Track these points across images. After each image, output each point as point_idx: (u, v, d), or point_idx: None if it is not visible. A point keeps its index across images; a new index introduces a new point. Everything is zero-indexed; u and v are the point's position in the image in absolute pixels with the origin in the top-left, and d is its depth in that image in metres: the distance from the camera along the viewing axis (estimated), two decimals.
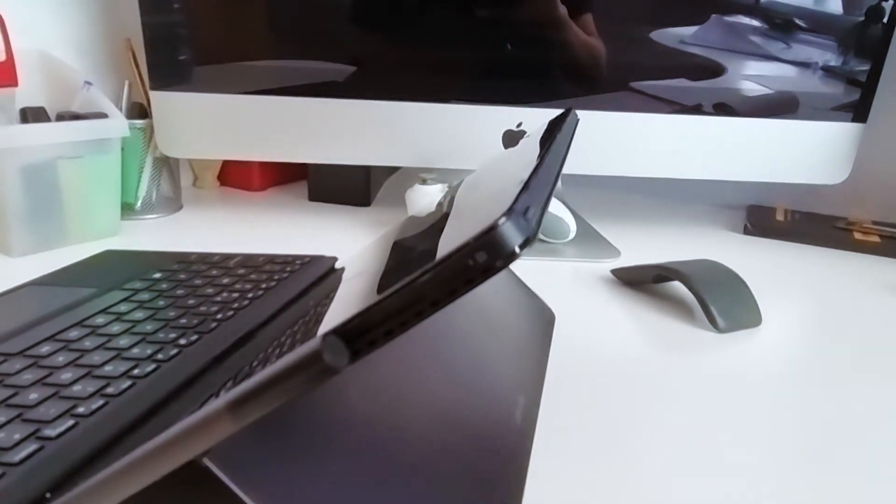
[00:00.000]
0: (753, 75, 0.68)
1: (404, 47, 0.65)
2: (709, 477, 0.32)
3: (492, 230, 0.15)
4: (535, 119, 0.66)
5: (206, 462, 0.19)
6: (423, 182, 0.65)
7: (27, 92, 0.62)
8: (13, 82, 0.60)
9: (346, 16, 0.64)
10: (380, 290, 0.41)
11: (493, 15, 0.64)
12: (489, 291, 0.42)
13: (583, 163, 0.68)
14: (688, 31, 0.67)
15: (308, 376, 0.16)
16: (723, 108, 0.69)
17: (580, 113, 0.66)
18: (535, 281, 0.56)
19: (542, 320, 0.46)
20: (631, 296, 0.54)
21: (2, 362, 0.35)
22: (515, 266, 0.59)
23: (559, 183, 0.78)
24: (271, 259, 0.53)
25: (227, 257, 0.53)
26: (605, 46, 0.66)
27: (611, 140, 0.68)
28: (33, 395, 0.32)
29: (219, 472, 0.19)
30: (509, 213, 0.16)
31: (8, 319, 0.42)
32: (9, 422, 0.29)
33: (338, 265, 0.53)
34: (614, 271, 0.57)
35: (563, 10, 0.64)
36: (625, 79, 0.67)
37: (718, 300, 0.49)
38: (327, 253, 0.55)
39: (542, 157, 0.25)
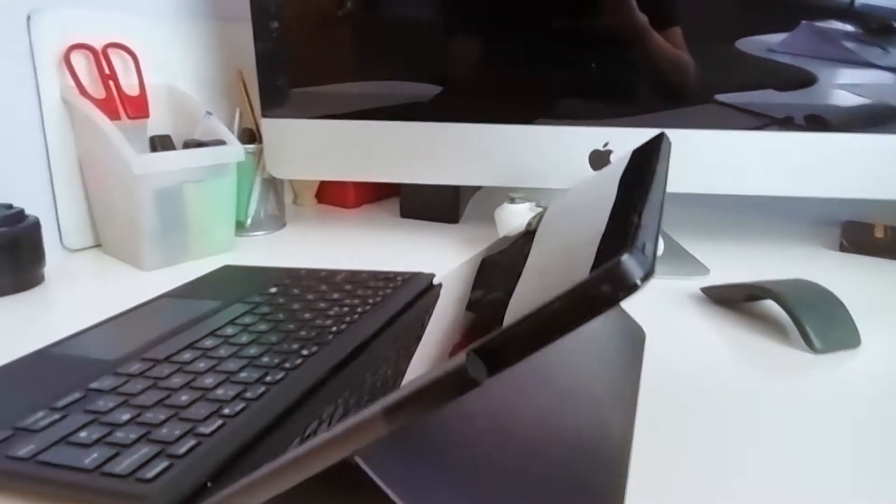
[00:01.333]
0: (847, 84, 0.66)
1: (489, 70, 0.68)
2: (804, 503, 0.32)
3: (616, 265, 0.18)
4: (622, 138, 0.68)
5: (357, 459, 0.22)
6: (512, 201, 0.68)
7: (156, 121, 0.69)
8: (145, 114, 0.67)
9: (433, 41, 0.68)
10: (469, 306, 0.44)
11: (571, 24, 0.66)
12: None
13: (670, 180, 0.69)
14: (775, 38, 0.66)
15: (453, 387, 0.19)
16: (815, 121, 0.68)
17: (667, 131, 0.67)
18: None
19: (633, 339, 0.47)
20: (722, 314, 0.54)
21: (152, 367, 0.40)
22: None
23: None
24: (374, 276, 0.56)
25: (333, 273, 0.57)
26: (692, 56, 0.66)
27: (698, 157, 0.68)
28: (184, 397, 0.36)
29: (367, 469, 0.22)
30: (630, 249, 0.18)
31: (150, 328, 0.47)
32: (168, 419, 0.34)
33: (435, 281, 0.56)
34: (704, 289, 0.58)
35: (642, 17, 0.64)
36: (710, 91, 0.67)
37: (814, 320, 0.48)
38: (420, 268, 0.59)
39: (647, 189, 0.27)
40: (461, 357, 0.19)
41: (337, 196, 0.89)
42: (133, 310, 0.51)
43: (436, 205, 0.82)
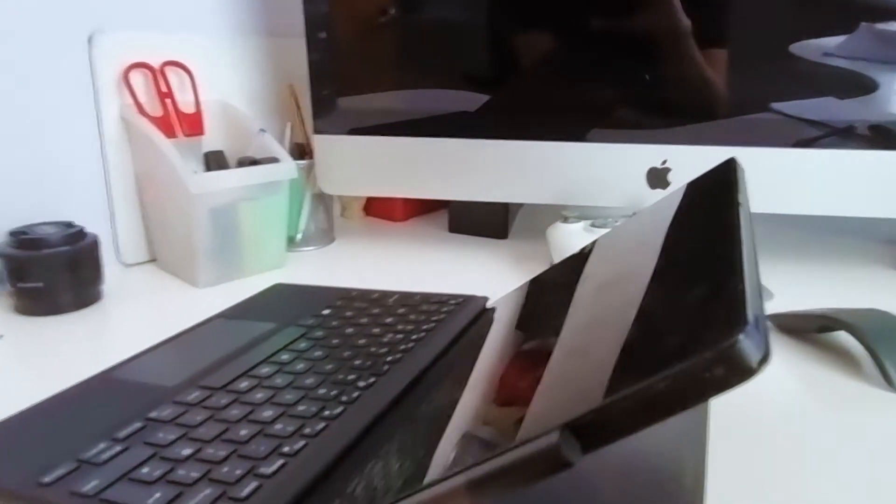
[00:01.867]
0: None
1: (540, 84, 0.67)
2: None
3: (732, 346, 0.16)
4: (680, 155, 0.65)
5: None
6: (565, 220, 0.66)
7: (211, 138, 0.70)
8: (200, 131, 0.68)
9: (485, 48, 0.67)
10: (518, 325, 0.43)
11: (613, 28, 0.63)
12: None
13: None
14: (832, 41, 0.63)
15: (544, 468, 0.18)
16: (879, 131, 0.64)
17: (727, 150, 0.64)
18: None
19: None
20: (790, 345, 0.52)
21: (210, 396, 0.40)
22: None
23: None
24: (427, 298, 0.55)
25: (386, 295, 0.57)
26: (741, 62, 0.63)
27: (759, 175, 0.65)
28: (243, 432, 0.36)
29: None
30: (745, 326, 0.17)
31: (206, 351, 0.47)
32: (228, 457, 0.33)
33: (489, 304, 0.55)
34: (771, 317, 0.55)
35: (686, 21, 0.62)
36: (764, 99, 0.64)
37: (894, 354, 0.46)
38: (471, 286, 0.57)
39: (736, 240, 0.25)
40: (554, 436, 0.18)
41: (385, 209, 0.89)
42: (188, 331, 0.51)
43: (485, 220, 0.80)
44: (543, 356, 0.30)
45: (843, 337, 0.51)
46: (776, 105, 0.65)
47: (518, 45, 0.67)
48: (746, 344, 0.16)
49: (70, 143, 0.63)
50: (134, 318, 0.56)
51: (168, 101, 0.66)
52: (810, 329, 0.52)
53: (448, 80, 0.68)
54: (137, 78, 0.65)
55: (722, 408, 0.43)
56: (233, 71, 0.74)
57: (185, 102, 0.68)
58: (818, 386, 0.45)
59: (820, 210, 0.65)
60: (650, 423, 0.18)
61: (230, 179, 0.61)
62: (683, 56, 0.63)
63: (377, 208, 0.90)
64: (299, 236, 0.75)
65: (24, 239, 0.54)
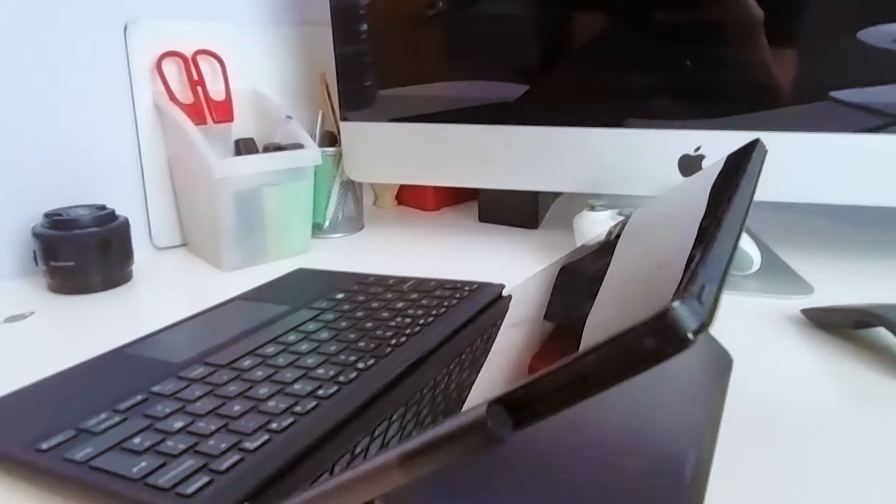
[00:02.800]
0: None
1: (578, 69, 0.65)
2: None
3: (663, 315, 0.15)
4: (716, 142, 0.62)
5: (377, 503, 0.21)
6: (592, 208, 0.64)
7: (240, 125, 0.71)
8: (230, 118, 0.69)
9: (519, 42, 0.65)
10: (547, 315, 0.41)
11: (675, 18, 0.61)
12: None
13: (774, 188, 0.63)
14: None
15: (473, 443, 0.17)
16: None
17: (770, 135, 0.61)
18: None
19: (718, 365, 0.43)
20: (825, 341, 0.49)
21: (213, 372, 0.41)
22: None
23: None
24: (442, 284, 0.55)
25: (402, 281, 0.56)
26: (805, 50, 0.59)
27: (808, 163, 0.61)
28: (237, 407, 0.36)
29: None
30: (682, 294, 0.15)
31: (219, 330, 0.48)
32: (217, 431, 0.34)
33: (505, 293, 0.54)
34: (806, 311, 0.52)
35: (758, 12, 0.58)
36: (824, 88, 0.60)
37: None
38: (496, 274, 0.56)
39: (721, 212, 0.23)
40: (482, 408, 0.17)
41: (416, 199, 0.88)
42: (206, 311, 0.52)
43: (514, 210, 0.79)
44: (562, 343, 0.29)
45: (882, 333, 0.47)
46: (836, 94, 0.61)
47: (562, 32, 0.65)
48: (680, 312, 0.15)
49: (106, 130, 0.65)
50: (160, 298, 0.58)
51: (199, 88, 0.67)
52: (847, 325, 0.49)
53: (486, 70, 0.67)
54: (170, 66, 0.66)
55: (742, 401, 0.40)
56: (265, 59, 0.75)
57: (216, 90, 0.69)
58: (851, 384, 0.42)
59: (871, 200, 0.61)
60: (584, 396, 0.16)
61: (253, 164, 0.62)
62: (752, 46, 0.60)
63: (409, 198, 0.89)
64: (327, 224, 0.75)
65: (57, 220, 0.57)
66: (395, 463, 0.19)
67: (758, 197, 0.63)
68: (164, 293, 0.59)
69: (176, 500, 0.28)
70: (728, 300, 0.56)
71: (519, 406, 0.17)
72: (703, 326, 0.15)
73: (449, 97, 0.68)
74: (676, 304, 0.15)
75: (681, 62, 0.62)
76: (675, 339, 0.15)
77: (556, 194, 0.91)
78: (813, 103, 0.61)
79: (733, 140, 0.62)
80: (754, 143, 0.40)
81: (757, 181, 0.32)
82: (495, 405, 0.17)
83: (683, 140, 0.63)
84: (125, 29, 0.65)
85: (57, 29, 0.61)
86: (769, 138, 0.61)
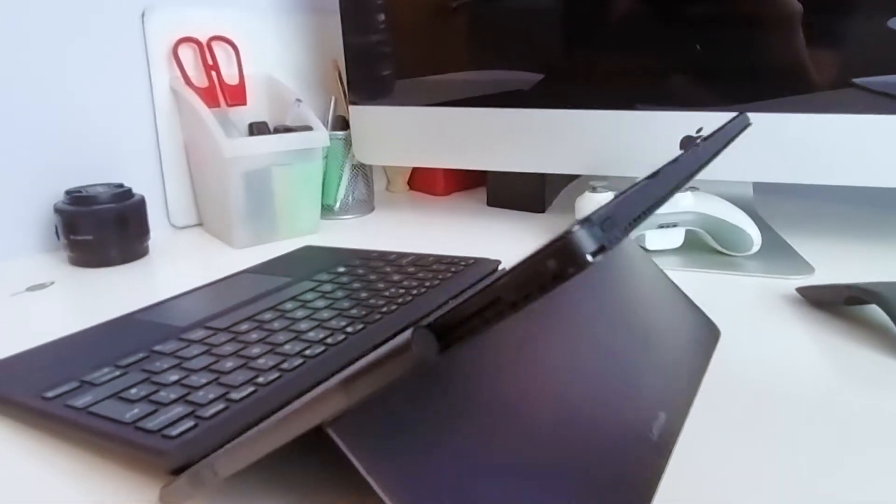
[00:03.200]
0: None
1: (589, 54, 0.65)
2: None
3: (563, 238, 0.16)
4: (718, 123, 0.62)
5: (329, 430, 0.22)
6: (593, 190, 0.65)
7: (254, 109, 0.74)
8: (243, 102, 0.72)
9: (533, 27, 0.66)
10: None
11: (707, 11, 0.61)
12: (648, 302, 0.41)
13: (784, 170, 0.62)
14: None
15: (401, 364, 0.19)
16: None
17: (781, 117, 0.61)
18: (709, 296, 0.53)
19: (704, 337, 0.43)
20: (818, 318, 0.49)
21: (212, 335, 0.43)
22: (688, 278, 0.56)
23: (750, 191, 0.72)
24: (440, 259, 0.56)
25: (402, 256, 0.58)
26: (833, 37, 0.59)
27: (823, 145, 0.61)
28: (229, 364, 0.38)
29: (337, 439, 0.22)
30: (585, 222, 0.17)
31: (224, 299, 0.50)
32: (208, 383, 0.36)
33: (501, 268, 0.55)
34: (801, 290, 0.52)
35: (797, 6, 0.58)
36: (846, 74, 0.59)
37: None
38: (498, 254, 0.57)
39: (666, 167, 0.24)
40: (407, 333, 0.18)
41: (427, 183, 0.90)
42: (215, 283, 0.55)
43: (522, 194, 0.80)
44: None
45: (874, 311, 0.47)
46: (859, 80, 0.61)
47: (574, 17, 0.66)
48: (579, 236, 0.16)
49: (126, 113, 0.68)
50: (172, 272, 0.60)
51: (213, 73, 0.70)
52: (838, 301, 0.49)
53: (496, 58, 0.68)
54: (186, 52, 0.69)
55: (726, 372, 0.41)
56: (279, 46, 0.78)
57: (230, 75, 0.71)
58: (839, 358, 0.42)
59: (878, 182, 0.61)
60: (499, 317, 0.18)
61: (262, 145, 0.64)
62: (789, 38, 0.59)
63: (420, 182, 0.91)
64: (337, 205, 0.77)
65: (77, 196, 0.60)
66: (338, 387, 0.20)
67: (772, 178, 0.63)
68: (177, 267, 0.62)
69: (160, 441, 0.30)
70: (727, 279, 0.57)
71: (444, 330, 0.18)
72: (602, 249, 0.16)
73: (457, 82, 0.70)
74: (576, 228, 0.16)
75: (691, 46, 0.62)
76: (574, 260, 0.16)
77: (569, 179, 0.92)
78: (835, 90, 0.60)
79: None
80: (739, 115, 0.40)
81: (724, 145, 0.33)
82: (421, 329, 0.18)
83: (692, 122, 0.63)
84: (143, 16, 0.67)
85: (78, 16, 0.64)
86: (788, 119, 0.61)
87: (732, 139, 0.35)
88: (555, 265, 0.16)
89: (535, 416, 0.28)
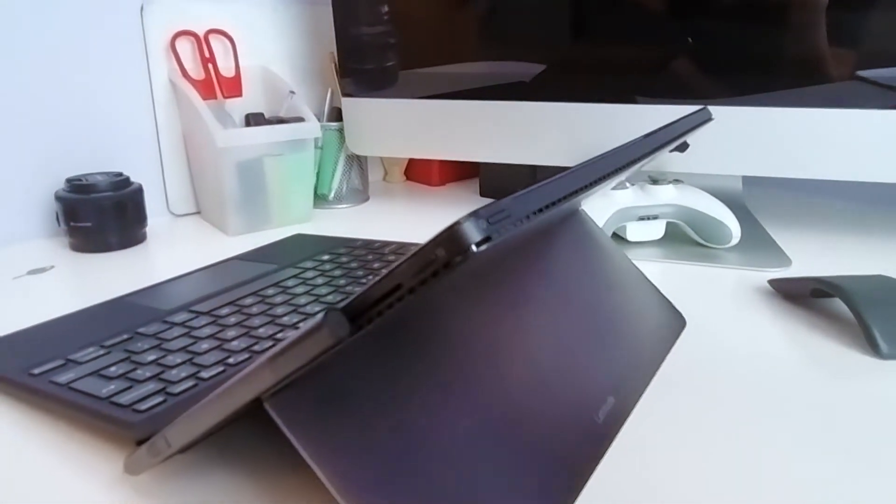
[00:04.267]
0: None
1: (590, 46, 0.66)
2: None
3: (450, 229, 0.18)
4: (718, 115, 0.62)
5: (266, 404, 0.24)
6: None
7: (250, 100, 0.76)
8: (238, 93, 0.74)
9: (533, 18, 0.67)
10: None
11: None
12: (612, 290, 0.42)
13: (777, 164, 0.63)
14: None
15: (316, 343, 0.20)
16: None
17: (777, 110, 0.61)
18: (683, 287, 0.54)
19: (667, 326, 0.45)
20: (786, 310, 0.50)
21: (194, 318, 0.45)
22: (666, 269, 0.57)
23: (739, 185, 0.73)
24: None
25: (385, 245, 0.60)
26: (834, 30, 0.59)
27: (819, 139, 0.61)
28: (204, 346, 0.40)
29: (272, 412, 0.24)
30: (473, 214, 0.18)
31: (210, 284, 0.52)
32: (183, 363, 0.38)
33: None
34: (772, 282, 0.53)
35: None
36: (852, 66, 0.59)
37: (883, 321, 0.43)
38: None
39: (590, 161, 0.25)
40: (320, 316, 0.20)
41: (423, 174, 0.91)
42: (204, 268, 0.57)
43: (512, 185, 0.81)
44: None
45: (842, 304, 0.48)
46: (863, 73, 0.61)
47: (578, 6, 0.66)
48: (465, 227, 0.18)
49: (126, 104, 0.71)
50: (167, 258, 0.63)
51: (210, 65, 0.72)
52: (804, 293, 0.49)
53: (493, 50, 0.69)
54: (184, 44, 0.71)
55: (687, 360, 0.42)
56: (275, 39, 0.80)
57: (227, 67, 0.73)
58: (799, 348, 0.44)
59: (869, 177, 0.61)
60: (401, 301, 0.19)
61: (254, 136, 0.66)
62: (813, 31, 0.59)
63: (416, 173, 0.93)
64: (331, 195, 0.79)
65: (77, 184, 0.62)
66: (266, 363, 0.22)
67: (767, 173, 0.63)
68: (172, 253, 0.64)
69: (130, 414, 0.33)
70: (702, 271, 0.58)
71: (355, 312, 0.20)
72: (487, 240, 0.18)
73: (449, 74, 0.71)
74: (463, 219, 0.18)
75: (684, 40, 0.62)
76: (459, 249, 0.18)
77: (561, 171, 0.93)
78: (838, 83, 0.60)
79: (727, 115, 0.63)
80: (701, 110, 0.41)
81: (672, 139, 0.34)
82: (334, 312, 0.20)
83: (680, 114, 0.64)
84: (142, 9, 0.69)
85: (79, 10, 0.66)
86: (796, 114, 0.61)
87: (684, 134, 0.36)
88: (443, 253, 0.18)
89: (482, 392, 0.30)
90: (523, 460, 0.29)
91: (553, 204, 0.22)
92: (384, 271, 0.19)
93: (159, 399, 0.34)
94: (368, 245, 0.60)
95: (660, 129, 0.34)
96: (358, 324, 0.20)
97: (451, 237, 0.18)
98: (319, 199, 0.79)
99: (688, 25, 0.62)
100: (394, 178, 0.94)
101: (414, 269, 0.19)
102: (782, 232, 0.68)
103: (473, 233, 0.18)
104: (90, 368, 0.38)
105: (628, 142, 0.31)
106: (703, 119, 0.40)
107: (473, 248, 0.18)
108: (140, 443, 0.31)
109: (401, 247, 0.59)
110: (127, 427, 0.32)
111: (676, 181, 0.64)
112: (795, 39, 0.60)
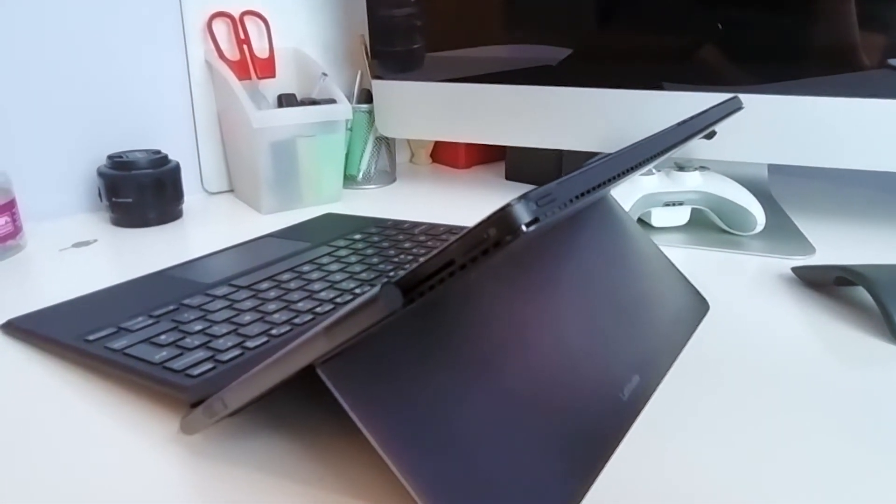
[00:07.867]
0: None
1: (616, 32, 0.67)
2: None
3: (502, 210, 0.19)
4: (745, 103, 0.63)
5: (319, 370, 0.26)
6: None
7: (283, 81, 0.77)
8: (272, 74, 0.75)
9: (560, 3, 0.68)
10: None
11: None
12: (639, 274, 0.44)
13: (803, 152, 0.63)
14: None
15: (371, 314, 0.22)
16: None
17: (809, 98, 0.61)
18: (707, 272, 0.55)
19: (691, 310, 0.46)
20: (809, 297, 0.51)
21: (235, 292, 0.47)
22: (690, 255, 0.59)
23: (765, 172, 0.73)
24: (450, 229, 0.59)
25: (415, 225, 0.61)
26: (866, 17, 0.59)
27: (847, 128, 0.61)
28: (247, 318, 0.42)
29: (325, 378, 0.26)
30: (523, 197, 0.20)
31: (247, 261, 0.54)
32: (228, 333, 0.40)
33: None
34: (796, 269, 0.54)
35: None
36: (882, 54, 0.59)
37: None
38: None
39: (626, 149, 0.27)
40: (376, 288, 0.22)
41: (449, 156, 0.93)
42: (241, 245, 0.59)
43: (538, 168, 0.82)
44: None
45: (864, 292, 0.49)
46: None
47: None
48: (516, 209, 0.19)
49: (164, 83, 0.72)
50: (204, 234, 0.65)
51: (245, 46, 0.73)
52: (827, 281, 0.50)
53: (522, 34, 0.69)
54: (220, 26, 0.73)
55: (711, 345, 0.43)
56: (308, 21, 0.81)
57: (261, 48, 0.75)
58: (822, 336, 0.45)
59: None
60: (452, 276, 0.21)
61: (288, 116, 0.68)
62: (842, 15, 0.59)
63: (442, 155, 0.94)
64: (360, 176, 0.81)
65: (118, 161, 0.65)
66: (322, 332, 0.24)
67: (803, 162, 0.63)
68: (209, 229, 0.66)
69: (184, 379, 0.35)
70: (726, 257, 0.58)
71: (408, 285, 0.22)
72: (535, 221, 0.19)
73: (479, 58, 0.72)
74: (514, 202, 0.19)
75: (713, 25, 0.63)
76: (510, 229, 0.19)
77: (586, 156, 0.93)
78: (869, 70, 0.60)
79: (754, 102, 0.63)
80: (731, 98, 0.42)
81: (704, 127, 0.35)
82: (389, 285, 0.22)
83: (710, 102, 0.65)
84: None
85: None
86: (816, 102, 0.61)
87: (715, 122, 0.37)
88: (494, 233, 0.20)
89: (513, 368, 0.32)
90: (551, 434, 0.30)
91: (594, 189, 0.23)
92: (436, 249, 0.21)
93: (209, 366, 0.36)
94: (398, 225, 0.62)
95: (693, 116, 0.35)
96: (410, 297, 0.22)
97: (503, 218, 0.19)
98: (348, 179, 0.80)
99: (717, 12, 0.62)
100: (420, 160, 0.95)
101: (466, 246, 0.20)
102: (806, 220, 0.68)
103: (524, 214, 0.19)
104: (142, 336, 0.40)
105: (663, 129, 0.32)
106: (733, 108, 0.41)
107: (524, 227, 0.19)
108: (194, 405, 0.33)
109: (431, 227, 0.60)
110: (181, 390, 0.34)
111: (702, 168, 0.64)
112: (825, 27, 0.60)
